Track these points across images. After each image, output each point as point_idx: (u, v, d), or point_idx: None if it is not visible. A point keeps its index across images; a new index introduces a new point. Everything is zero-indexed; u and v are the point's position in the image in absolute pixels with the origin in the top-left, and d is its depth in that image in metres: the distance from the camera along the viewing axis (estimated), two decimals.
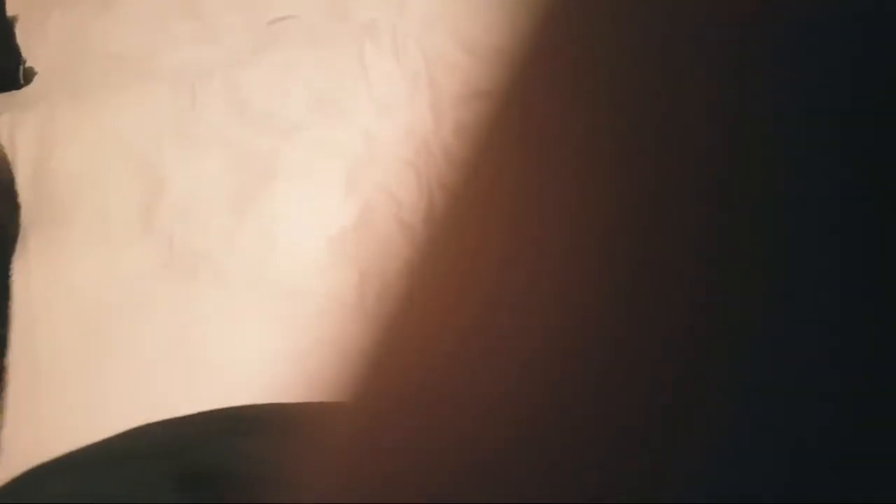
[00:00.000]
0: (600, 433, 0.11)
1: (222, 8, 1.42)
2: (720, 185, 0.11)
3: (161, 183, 1.23)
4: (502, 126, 0.13)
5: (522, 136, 0.13)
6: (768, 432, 0.10)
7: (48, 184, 1.23)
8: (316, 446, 0.15)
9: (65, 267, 1.16)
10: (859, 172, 0.10)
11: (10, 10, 1.40)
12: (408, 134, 1.26)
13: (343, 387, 0.14)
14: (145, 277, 1.15)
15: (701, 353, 0.11)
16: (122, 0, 1.43)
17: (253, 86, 1.32)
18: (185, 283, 1.14)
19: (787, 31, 0.10)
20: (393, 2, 1.40)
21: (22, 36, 1.39)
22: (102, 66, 1.35)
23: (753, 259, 0.10)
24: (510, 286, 0.12)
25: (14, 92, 1.37)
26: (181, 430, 0.40)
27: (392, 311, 0.14)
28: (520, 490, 0.12)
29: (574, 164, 0.12)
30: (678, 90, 0.11)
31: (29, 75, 1.42)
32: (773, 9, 0.11)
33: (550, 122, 0.12)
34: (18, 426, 1.05)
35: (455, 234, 0.14)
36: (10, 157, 1.26)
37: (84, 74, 1.35)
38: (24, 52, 1.39)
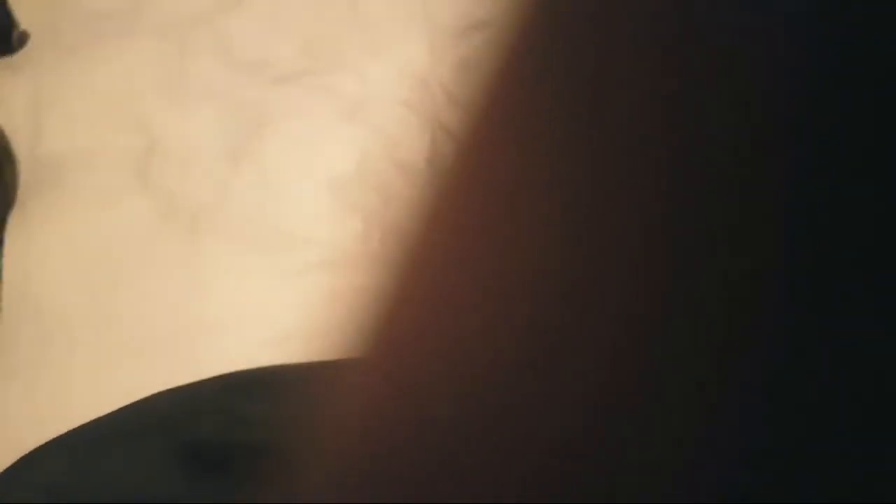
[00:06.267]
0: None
1: None
2: (710, 178, 0.10)
3: (154, 137, 1.23)
4: (504, 63, 0.13)
5: (526, 74, 0.12)
6: (759, 431, 0.10)
7: (43, 146, 1.23)
8: (325, 407, 0.15)
9: (65, 228, 1.16)
10: (859, 175, 0.10)
11: None
12: (404, 73, 1.24)
13: (354, 336, 0.14)
14: (145, 233, 1.15)
15: (694, 349, 0.11)
16: None
17: (241, 34, 1.31)
18: (185, 235, 1.15)
19: (780, 33, 0.10)
20: None
21: None
22: (88, 25, 1.34)
23: (743, 261, 0.10)
24: (516, 228, 0.12)
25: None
26: (184, 400, 0.40)
27: (398, 257, 0.14)
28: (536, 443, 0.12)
29: (580, 103, 0.11)
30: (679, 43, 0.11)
31: (23, 39, 1.41)
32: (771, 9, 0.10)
33: (555, 59, 0.12)
34: (24, 392, 1.06)
35: (458, 176, 0.13)
36: (3, 121, 1.26)
37: (70, 34, 1.34)
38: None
